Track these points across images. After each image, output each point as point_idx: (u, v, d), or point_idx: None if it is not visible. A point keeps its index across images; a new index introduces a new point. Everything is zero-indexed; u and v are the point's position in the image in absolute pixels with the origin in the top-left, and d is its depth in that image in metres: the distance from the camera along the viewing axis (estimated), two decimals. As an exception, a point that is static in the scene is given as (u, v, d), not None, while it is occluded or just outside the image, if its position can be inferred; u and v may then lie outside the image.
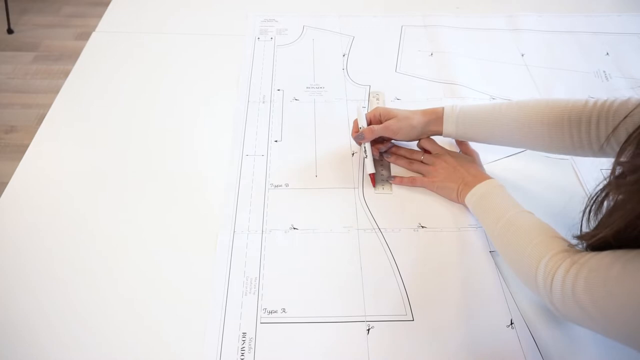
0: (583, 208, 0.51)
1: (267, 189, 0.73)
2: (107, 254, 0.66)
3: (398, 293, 0.62)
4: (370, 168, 0.73)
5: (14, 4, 2.21)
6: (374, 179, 0.73)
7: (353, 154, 0.78)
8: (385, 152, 0.78)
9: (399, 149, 0.78)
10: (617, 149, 0.57)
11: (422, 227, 0.69)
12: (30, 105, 1.89)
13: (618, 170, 0.47)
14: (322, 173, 0.75)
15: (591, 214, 0.50)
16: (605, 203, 0.48)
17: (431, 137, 0.75)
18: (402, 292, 0.62)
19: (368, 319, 0.59)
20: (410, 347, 0.57)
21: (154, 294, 0.62)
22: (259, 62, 0.94)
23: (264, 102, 0.86)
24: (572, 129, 0.63)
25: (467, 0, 1.10)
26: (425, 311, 0.60)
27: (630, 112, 0.57)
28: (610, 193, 0.48)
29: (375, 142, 0.76)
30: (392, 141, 0.78)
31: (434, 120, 0.72)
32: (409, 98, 0.88)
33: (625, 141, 0.46)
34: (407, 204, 0.72)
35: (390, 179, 0.74)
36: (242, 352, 0.56)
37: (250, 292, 0.62)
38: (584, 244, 0.52)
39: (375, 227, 0.69)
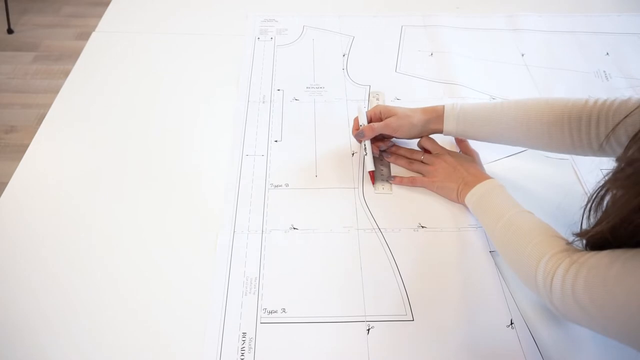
0: (584, 205, 0.51)
1: (267, 189, 0.73)
2: (107, 254, 0.66)
3: (398, 293, 0.62)
4: (370, 166, 0.73)
5: (14, 4, 2.21)
6: (374, 177, 0.74)
7: (353, 154, 0.78)
8: (385, 151, 0.78)
9: (399, 149, 0.78)
10: (617, 148, 0.57)
11: (422, 227, 0.69)
12: (30, 105, 1.89)
13: (618, 166, 0.47)
14: (322, 173, 0.75)
15: (591, 211, 0.50)
16: (605, 199, 0.48)
17: (431, 135, 0.76)
18: (402, 292, 0.62)
19: (368, 319, 0.59)
20: (410, 347, 0.57)
21: (153, 294, 0.62)
22: (259, 62, 0.94)
23: (264, 102, 0.86)
24: (572, 128, 0.63)
25: (467, 0, 1.10)
26: (425, 311, 0.60)
27: (630, 112, 0.57)
28: (610, 189, 0.48)
29: (375, 140, 0.76)
30: (393, 139, 0.78)
31: (435, 119, 0.72)
32: (409, 98, 0.88)
33: (631, 139, 0.46)
34: (407, 204, 0.72)
35: (390, 179, 0.74)
36: (242, 352, 0.56)
37: (250, 292, 0.62)
38: (583, 242, 0.52)
39: (375, 227, 0.69)
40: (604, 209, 0.49)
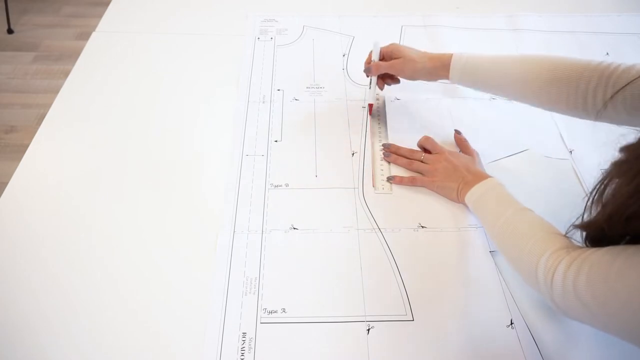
0: (587, 195, 0.50)
1: (267, 189, 0.73)
2: (107, 254, 0.66)
3: (398, 293, 0.62)
4: (371, 99, 0.81)
5: (14, 4, 2.21)
6: (372, 110, 0.82)
7: (353, 154, 0.78)
8: (385, 152, 0.78)
9: (399, 149, 0.78)
10: (614, 117, 0.56)
11: (422, 227, 0.69)
12: (30, 105, 1.89)
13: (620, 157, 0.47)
14: (322, 173, 0.75)
15: (594, 203, 0.49)
16: (607, 191, 0.48)
17: (433, 82, 0.79)
18: (402, 292, 0.62)
19: (368, 319, 0.59)
20: (410, 347, 0.57)
21: (153, 294, 0.62)
22: (259, 62, 0.94)
23: (264, 102, 0.86)
24: (569, 92, 0.62)
25: (467, 0, 1.10)
26: (425, 311, 0.60)
27: (631, 81, 0.56)
28: (612, 179, 0.47)
29: (385, 77, 0.82)
30: (390, 143, 0.79)
31: (440, 67, 0.74)
32: (409, 98, 0.87)
33: None
34: (407, 203, 0.72)
35: (390, 179, 0.74)
36: (242, 352, 0.56)
37: (250, 292, 0.62)
38: (583, 235, 0.52)
39: (375, 227, 0.69)
40: (603, 200, 0.48)
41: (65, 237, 0.67)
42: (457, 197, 0.70)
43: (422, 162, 0.75)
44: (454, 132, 0.79)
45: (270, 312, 0.60)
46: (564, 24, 1.04)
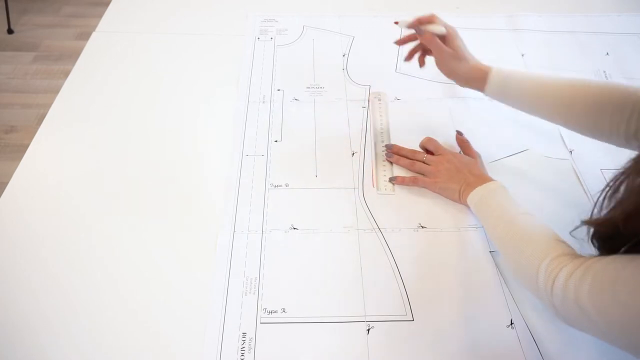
0: (599, 192, 0.50)
1: (267, 189, 0.73)
2: (107, 254, 0.66)
3: (398, 293, 0.62)
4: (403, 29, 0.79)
5: (14, 4, 2.21)
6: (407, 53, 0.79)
7: (353, 154, 0.78)
8: (387, 152, 0.77)
9: (401, 149, 0.77)
10: None
11: (422, 227, 0.69)
12: (30, 105, 1.89)
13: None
14: (322, 173, 0.75)
15: (606, 199, 0.49)
16: (622, 187, 0.47)
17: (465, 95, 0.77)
18: (402, 292, 0.62)
19: (368, 319, 0.59)
20: (410, 347, 0.57)
21: (153, 294, 0.62)
22: (259, 62, 0.94)
23: (264, 102, 0.86)
24: (613, 116, 0.61)
25: (467, 0, 1.10)
26: (425, 311, 0.60)
27: None
28: (629, 176, 0.46)
29: (423, 50, 0.80)
30: (391, 147, 0.78)
31: (479, 78, 0.72)
32: (409, 98, 0.87)
33: None
34: (407, 204, 0.72)
35: (392, 180, 0.74)
36: (242, 352, 0.56)
37: (250, 292, 0.62)
38: (590, 232, 0.51)
39: (375, 227, 0.69)
40: (619, 197, 0.47)
41: (65, 237, 0.67)
42: (459, 198, 0.70)
43: (424, 163, 0.75)
44: (455, 132, 0.79)
45: (270, 312, 0.60)
46: (564, 24, 1.04)
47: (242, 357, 0.56)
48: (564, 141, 0.80)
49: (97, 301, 0.61)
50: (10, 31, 2.19)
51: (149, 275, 0.63)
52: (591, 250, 0.52)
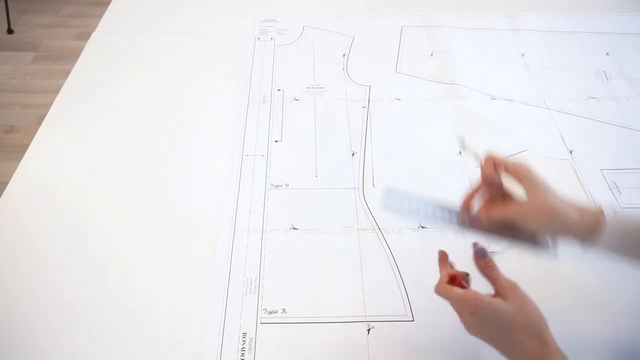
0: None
1: (267, 189, 0.73)
2: (107, 254, 0.65)
3: (398, 293, 0.62)
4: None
5: (14, 4, 2.21)
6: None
7: (353, 154, 0.78)
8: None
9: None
10: None
11: (422, 227, 0.69)
12: (30, 105, 1.89)
13: None
14: (322, 173, 0.75)
15: None
16: None
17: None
18: (402, 292, 0.62)
19: (368, 319, 0.59)
20: (410, 347, 0.57)
21: (154, 294, 0.62)
22: (259, 62, 0.94)
23: (264, 102, 0.86)
24: None
25: (467, 0, 1.10)
26: (425, 311, 0.60)
27: None
28: None
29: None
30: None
31: (593, 226, 0.50)
32: (409, 98, 0.87)
33: None
34: (407, 204, 0.72)
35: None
36: (242, 352, 0.56)
37: (250, 292, 0.62)
38: None
39: (375, 227, 0.68)
40: None
41: (65, 237, 0.67)
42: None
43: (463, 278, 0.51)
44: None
45: (271, 313, 0.60)
46: (564, 24, 1.04)
47: (243, 357, 0.56)
48: (564, 141, 0.80)
49: (97, 301, 0.61)
50: (10, 31, 2.19)
51: (149, 276, 0.63)
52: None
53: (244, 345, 0.57)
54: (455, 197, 0.72)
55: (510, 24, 1.04)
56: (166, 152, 0.78)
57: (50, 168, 0.76)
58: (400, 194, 0.55)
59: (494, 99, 0.87)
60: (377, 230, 0.68)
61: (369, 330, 0.58)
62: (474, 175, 0.75)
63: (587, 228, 0.50)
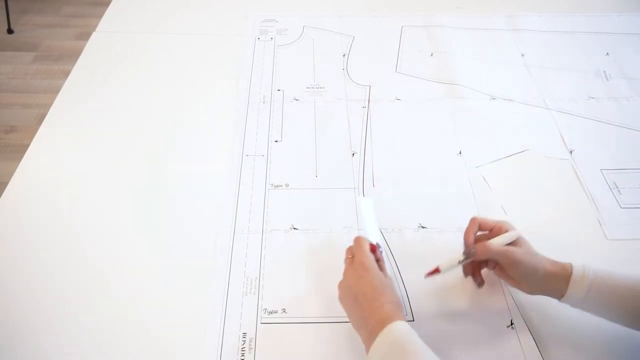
0: None
1: (267, 189, 0.73)
2: (107, 254, 0.66)
3: (398, 293, 0.61)
4: (445, 265, 0.58)
5: (14, 4, 2.21)
6: (432, 273, 0.58)
7: (353, 154, 0.78)
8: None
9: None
10: None
11: (422, 227, 0.69)
12: (30, 105, 1.89)
13: None
14: (322, 173, 0.75)
15: None
16: None
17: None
18: (402, 292, 0.62)
19: (368, 319, 0.59)
20: (411, 347, 0.57)
21: (154, 295, 0.62)
22: (259, 62, 0.94)
23: (264, 102, 0.86)
24: None
25: (467, 0, 1.10)
26: (425, 311, 0.60)
27: None
28: None
29: (479, 264, 0.60)
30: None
31: (560, 278, 0.54)
32: (409, 98, 0.87)
33: None
34: (407, 204, 0.72)
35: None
36: (242, 352, 0.56)
37: (250, 293, 0.62)
38: None
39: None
40: None
41: (65, 237, 0.67)
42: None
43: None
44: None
45: (271, 313, 0.60)
46: (564, 24, 1.04)
47: (243, 357, 0.56)
48: (564, 141, 0.80)
49: (97, 301, 0.61)
50: (10, 31, 2.19)
51: (149, 276, 0.63)
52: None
53: (244, 345, 0.57)
54: (455, 197, 0.73)
55: (510, 24, 1.04)
56: (166, 152, 0.78)
57: (50, 168, 0.76)
58: None
59: (494, 99, 0.87)
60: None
61: (369, 330, 0.58)
62: (474, 175, 0.75)
63: (556, 277, 0.54)
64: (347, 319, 0.59)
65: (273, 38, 1.00)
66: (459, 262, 0.57)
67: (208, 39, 0.99)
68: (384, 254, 0.60)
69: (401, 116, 0.84)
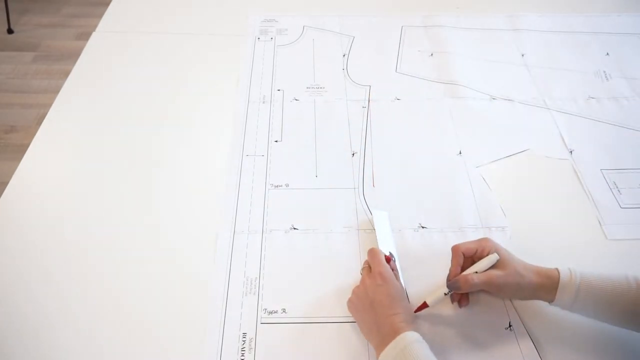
0: None
1: (267, 189, 0.73)
2: (107, 254, 0.66)
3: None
4: (431, 299, 0.58)
5: (14, 4, 2.21)
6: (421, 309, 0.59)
7: (353, 154, 0.78)
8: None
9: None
10: None
11: (422, 227, 0.69)
12: (30, 105, 1.89)
13: None
14: (322, 173, 0.75)
15: None
16: None
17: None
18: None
19: (368, 319, 0.59)
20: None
21: (154, 295, 0.62)
22: (259, 62, 0.94)
23: (264, 102, 0.86)
24: None
25: (467, 0, 1.10)
26: (425, 311, 0.60)
27: None
28: None
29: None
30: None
31: (548, 286, 0.56)
32: (409, 98, 0.87)
33: None
34: (407, 204, 0.72)
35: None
36: (242, 352, 0.56)
37: (250, 293, 0.62)
38: None
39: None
40: None
41: (65, 237, 0.67)
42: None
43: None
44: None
45: (271, 313, 0.60)
46: (564, 24, 1.04)
47: (243, 357, 0.56)
48: (564, 141, 0.80)
49: (97, 301, 0.61)
50: (10, 31, 2.19)
51: (149, 276, 0.63)
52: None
53: (244, 345, 0.57)
54: (455, 197, 0.73)
55: (510, 24, 1.04)
56: (166, 151, 0.78)
57: (50, 168, 0.76)
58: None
59: (494, 99, 0.87)
60: (377, 230, 0.68)
61: (369, 330, 0.58)
62: (474, 175, 0.75)
63: (543, 286, 0.56)
64: (347, 320, 0.59)
65: (273, 38, 1.00)
66: (445, 294, 0.58)
67: (208, 39, 0.99)
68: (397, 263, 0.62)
69: (401, 116, 0.84)
